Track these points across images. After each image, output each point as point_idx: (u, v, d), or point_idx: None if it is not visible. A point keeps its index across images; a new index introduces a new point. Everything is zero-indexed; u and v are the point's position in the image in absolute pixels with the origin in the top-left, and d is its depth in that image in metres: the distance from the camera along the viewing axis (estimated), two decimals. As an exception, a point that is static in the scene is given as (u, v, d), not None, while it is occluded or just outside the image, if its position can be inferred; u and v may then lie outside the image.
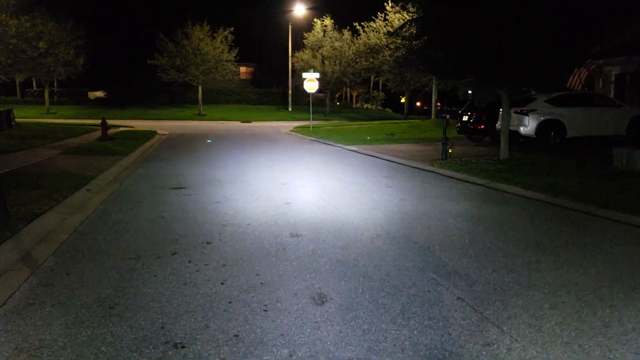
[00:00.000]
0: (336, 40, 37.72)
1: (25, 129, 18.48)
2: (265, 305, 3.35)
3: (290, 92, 41.84)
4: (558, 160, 10.90)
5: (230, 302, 3.39)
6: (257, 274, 3.94)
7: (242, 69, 48.33)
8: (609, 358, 2.70)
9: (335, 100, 51.30)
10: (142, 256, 4.38)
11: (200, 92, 37.58)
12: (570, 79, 15.34)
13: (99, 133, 16.87)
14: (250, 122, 32.37)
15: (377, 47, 33.21)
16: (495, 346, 2.81)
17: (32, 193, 6.62)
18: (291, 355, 2.70)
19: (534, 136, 12.79)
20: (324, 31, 38.75)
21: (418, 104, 48.14)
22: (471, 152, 13.21)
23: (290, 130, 23.98)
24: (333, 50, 37.38)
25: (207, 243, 4.81)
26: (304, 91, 26.47)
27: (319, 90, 30.97)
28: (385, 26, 32.58)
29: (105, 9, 45.42)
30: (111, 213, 6.11)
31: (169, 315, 3.17)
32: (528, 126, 12.80)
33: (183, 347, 2.78)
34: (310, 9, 39.55)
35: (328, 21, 38.54)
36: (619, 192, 7.28)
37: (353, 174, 9.64)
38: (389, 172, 10.04)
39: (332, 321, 3.11)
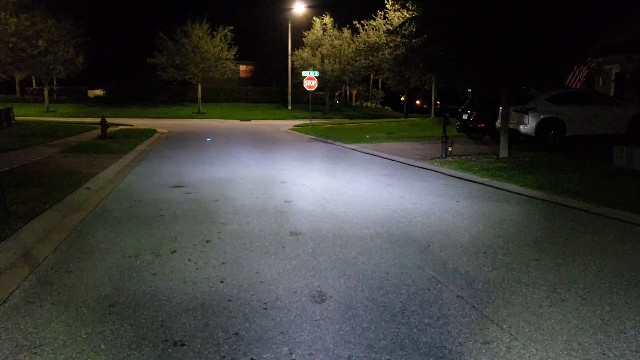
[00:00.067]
0: (336, 38, 37.64)
1: (25, 128, 18.48)
2: (265, 303, 3.35)
3: (289, 90, 41.81)
4: (558, 159, 10.89)
5: (230, 300, 3.39)
6: (256, 272, 3.95)
7: (242, 68, 48.29)
8: (608, 356, 2.71)
9: (335, 99, 51.23)
10: (141, 254, 4.38)
11: (199, 90, 37.52)
12: (570, 77, 15.34)
13: (98, 131, 16.88)
14: (249, 120, 32.37)
15: (376, 45, 33.14)
16: (494, 344, 2.82)
17: (32, 191, 6.63)
18: (291, 353, 2.71)
19: (534, 134, 12.78)
20: (324, 29, 38.66)
21: (418, 102, 48.09)
22: (471, 150, 13.19)
23: (289, 129, 23.99)
24: (332, 48, 37.30)
25: (207, 241, 4.82)
26: (304, 89, 26.46)
27: (319, 89, 30.92)
28: (385, 24, 32.50)
29: (104, 8, 45.37)
30: (111, 211, 6.12)
31: (168, 314, 3.18)
32: (528, 124, 12.79)
33: (183, 345, 2.79)
34: (309, 7, 39.51)
35: (327, 19, 38.46)
36: (619, 190, 7.28)
37: (353, 172, 9.64)
38: (389, 170, 10.04)
39: (331, 319, 3.12)
